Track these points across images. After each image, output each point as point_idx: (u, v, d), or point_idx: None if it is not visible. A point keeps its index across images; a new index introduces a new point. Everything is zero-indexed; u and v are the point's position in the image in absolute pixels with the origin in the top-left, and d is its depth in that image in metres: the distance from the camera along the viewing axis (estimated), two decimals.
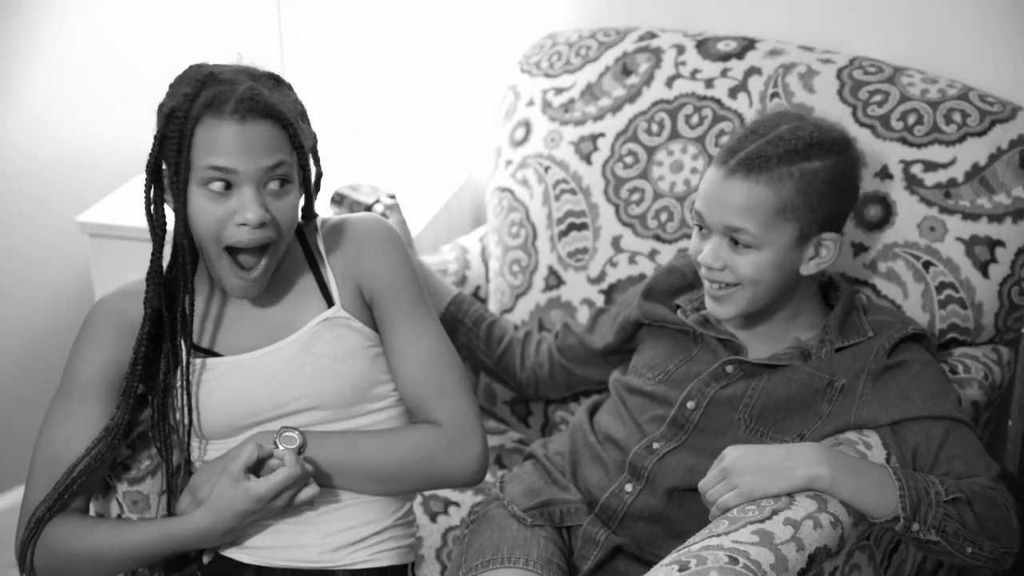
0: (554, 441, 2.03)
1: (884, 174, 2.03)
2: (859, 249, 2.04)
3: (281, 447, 1.67)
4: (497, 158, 2.37)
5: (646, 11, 2.38)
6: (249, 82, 1.62)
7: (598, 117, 2.25)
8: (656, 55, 2.24)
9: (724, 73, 2.18)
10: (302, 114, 1.69)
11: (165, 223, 1.67)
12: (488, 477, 2.12)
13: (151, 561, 1.73)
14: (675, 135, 2.19)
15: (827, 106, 2.07)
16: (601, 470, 1.91)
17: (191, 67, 1.67)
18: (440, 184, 2.64)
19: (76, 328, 1.74)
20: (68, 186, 2.65)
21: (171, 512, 1.75)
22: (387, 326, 1.77)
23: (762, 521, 1.57)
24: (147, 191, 1.66)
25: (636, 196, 2.21)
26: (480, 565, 1.79)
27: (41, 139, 2.61)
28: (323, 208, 1.89)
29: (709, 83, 2.19)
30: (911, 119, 2.03)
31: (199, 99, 1.60)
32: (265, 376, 1.72)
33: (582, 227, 2.24)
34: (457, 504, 2.12)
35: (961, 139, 2.01)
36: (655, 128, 2.20)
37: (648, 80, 2.23)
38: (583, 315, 2.23)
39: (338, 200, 2.14)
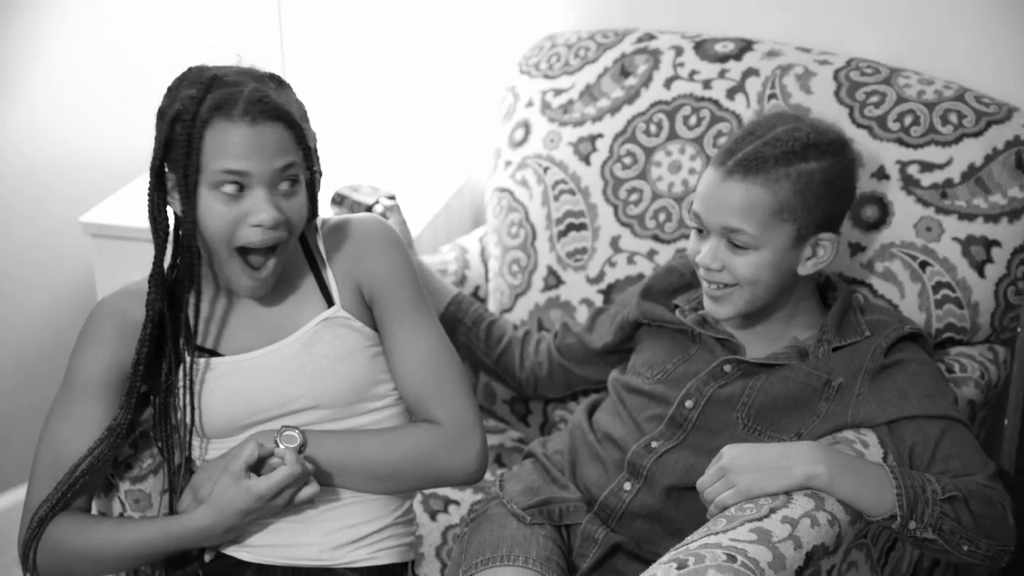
0: (553, 440, 2.03)
1: (881, 175, 2.03)
2: (856, 249, 2.05)
3: (282, 446, 1.67)
4: (496, 159, 2.37)
5: (644, 13, 2.38)
6: (254, 83, 1.62)
7: (597, 118, 2.25)
8: (654, 56, 2.24)
9: (722, 74, 2.18)
10: (304, 114, 1.70)
11: (168, 226, 1.68)
12: (488, 476, 2.12)
13: (153, 559, 1.73)
14: (673, 136, 2.19)
15: (824, 107, 2.08)
16: (600, 469, 1.91)
17: (191, 69, 1.66)
18: (440, 185, 2.64)
19: (79, 328, 1.75)
20: (70, 187, 2.65)
21: (173, 511, 1.75)
22: (387, 326, 1.77)
23: (760, 519, 1.57)
24: (151, 194, 1.67)
25: (635, 196, 2.21)
26: (480, 563, 1.79)
27: (43, 140, 2.60)
28: (323, 208, 1.90)
29: (707, 84, 2.19)
30: (908, 120, 2.04)
31: (206, 102, 1.60)
32: (266, 376, 1.72)
33: (581, 227, 2.24)
34: (457, 502, 2.13)
35: (957, 140, 2.01)
36: (653, 129, 2.21)
37: (646, 81, 2.23)
38: (582, 315, 2.23)
39: (338, 201, 2.15)
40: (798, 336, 1.86)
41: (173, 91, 1.65)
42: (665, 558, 1.53)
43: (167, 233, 1.68)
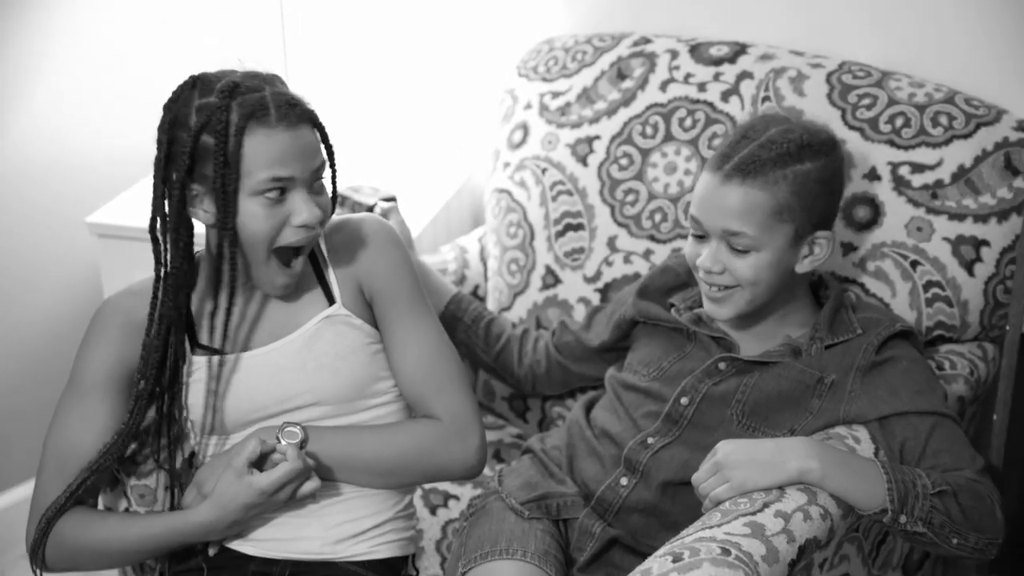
0: (551, 436, 2.04)
1: (872, 176, 2.04)
2: (848, 249, 2.05)
3: (283, 442, 1.67)
4: (495, 160, 2.37)
5: (641, 17, 2.37)
6: (269, 87, 1.62)
7: (594, 120, 2.25)
8: (650, 60, 2.25)
9: (716, 77, 2.19)
10: None
11: (191, 233, 1.67)
12: (487, 471, 2.12)
13: (158, 553, 1.73)
14: (669, 138, 2.19)
15: (817, 109, 2.08)
16: (597, 464, 1.92)
17: (197, 78, 1.63)
18: (440, 185, 2.64)
19: (85, 327, 1.75)
20: (76, 187, 2.64)
21: (177, 506, 1.75)
22: (387, 324, 1.77)
23: (754, 513, 1.58)
24: (169, 202, 1.63)
25: (631, 197, 2.21)
26: (479, 557, 1.79)
27: (48, 141, 2.59)
28: None
29: (702, 87, 2.19)
30: (899, 122, 2.04)
31: (233, 110, 1.58)
32: (268, 373, 1.73)
33: (578, 227, 2.24)
34: (456, 497, 2.13)
35: (947, 141, 2.01)
36: (649, 131, 2.21)
37: (642, 84, 2.23)
38: (579, 313, 2.23)
39: (340, 201, 2.16)
40: (791, 334, 1.87)
41: (184, 101, 1.61)
42: (661, 551, 1.54)
43: (190, 240, 1.67)
